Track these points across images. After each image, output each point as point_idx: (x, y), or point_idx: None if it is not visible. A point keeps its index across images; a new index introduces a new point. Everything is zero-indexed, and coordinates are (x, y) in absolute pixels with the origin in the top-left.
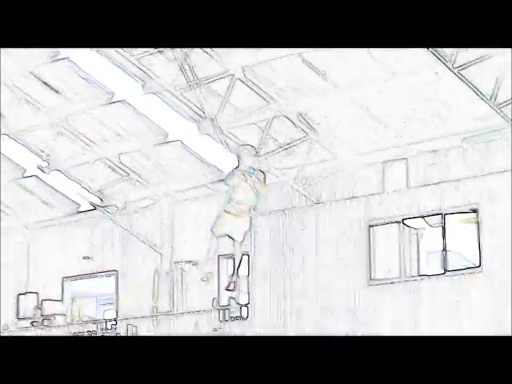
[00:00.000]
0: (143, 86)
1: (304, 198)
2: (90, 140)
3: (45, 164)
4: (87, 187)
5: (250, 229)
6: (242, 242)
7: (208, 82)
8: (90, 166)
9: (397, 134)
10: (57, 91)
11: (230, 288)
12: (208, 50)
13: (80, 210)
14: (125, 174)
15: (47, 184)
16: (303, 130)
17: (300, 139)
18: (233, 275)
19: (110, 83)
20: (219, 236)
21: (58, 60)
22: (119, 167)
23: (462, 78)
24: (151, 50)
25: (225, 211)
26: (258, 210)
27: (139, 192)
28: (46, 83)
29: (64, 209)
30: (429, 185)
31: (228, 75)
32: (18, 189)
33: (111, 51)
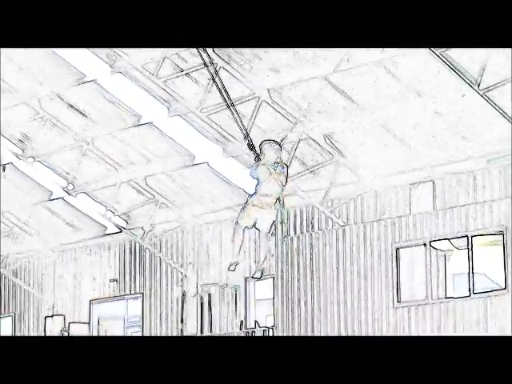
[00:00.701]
0: (169, 109)
1: (331, 220)
2: (116, 162)
3: (71, 186)
4: (113, 209)
5: (275, 220)
6: (268, 233)
7: (234, 105)
8: (116, 189)
9: (422, 156)
10: (83, 114)
11: (256, 276)
12: (233, 71)
13: (106, 232)
14: (151, 196)
15: (73, 206)
16: (329, 152)
17: (326, 161)
18: (259, 264)
19: (136, 106)
20: (245, 227)
21: (85, 82)
22: (145, 189)
23: (488, 100)
24: (177, 72)
25: (251, 204)
26: (282, 205)
27: (165, 214)
28: (72, 106)
29: (90, 231)
30: (455, 207)
31: (254, 97)
32: (45, 211)
33: (136, 73)
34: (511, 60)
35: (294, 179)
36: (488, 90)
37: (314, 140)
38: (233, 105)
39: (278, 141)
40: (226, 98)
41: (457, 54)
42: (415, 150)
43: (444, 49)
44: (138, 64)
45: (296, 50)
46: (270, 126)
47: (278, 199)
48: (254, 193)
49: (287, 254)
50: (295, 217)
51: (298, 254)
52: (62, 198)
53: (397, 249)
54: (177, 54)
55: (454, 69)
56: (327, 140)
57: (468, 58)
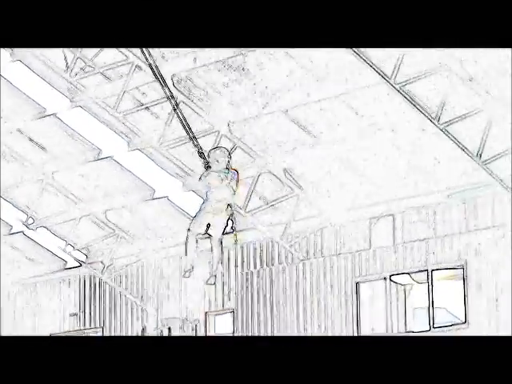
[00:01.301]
0: (129, 143)
1: (291, 254)
2: (76, 196)
3: (31, 220)
4: (73, 244)
5: (227, 226)
6: (220, 239)
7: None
8: (76, 223)
9: (383, 190)
10: (43, 148)
11: (210, 282)
12: (193, 105)
13: (66, 266)
14: (111, 230)
15: (33, 240)
16: (289, 186)
17: (286, 195)
18: (213, 270)
19: (95, 140)
20: (197, 234)
21: (45, 116)
22: (105, 224)
23: (448, 134)
24: (137, 107)
25: (203, 211)
26: (235, 209)
27: (125, 248)
28: (32, 140)
29: (50, 265)
30: (415, 241)
31: (214, 131)
32: (4, 245)
33: (96, 107)
34: (511, 60)
35: (253, 213)
36: (448, 125)
37: (273, 174)
38: (194, 137)
39: (228, 148)
40: (188, 129)
41: (417, 88)
42: (375, 184)
43: (404, 83)
44: (98, 98)
45: (255, 83)
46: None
47: (229, 205)
48: (206, 200)
49: (247, 288)
50: (255, 251)
51: (259, 288)
52: (22, 232)
53: (357, 283)
54: (137, 88)
55: (414, 103)
56: (287, 174)
57: (428, 92)
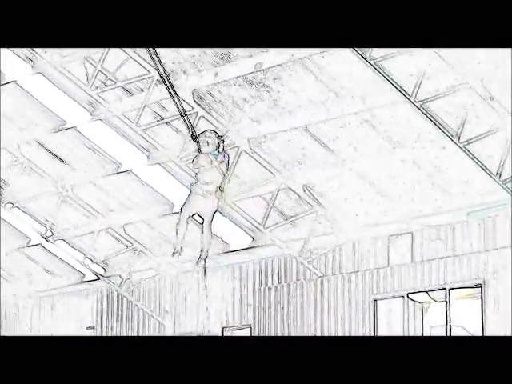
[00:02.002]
0: (148, 157)
1: (308, 271)
2: (95, 209)
3: (49, 233)
4: (91, 257)
5: (217, 210)
6: (210, 223)
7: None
8: (95, 236)
9: (402, 208)
10: (62, 160)
11: (199, 266)
12: (214, 121)
13: (84, 279)
14: (129, 244)
15: (51, 253)
16: (308, 202)
17: (305, 212)
18: (200, 257)
19: (115, 153)
20: (188, 216)
21: (65, 129)
22: (124, 237)
23: (468, 153)
24: (157, 121)
25: (193, 192)
26: (225, 193)
27: (143, 262)
28: (51, 152)
29: (68, 278)
30: (433, 259)
31: (234, 147)
32: (23, 257)
33: (116, 121)
34: (511, 60)
35: (272, 229)
36: (468, 143)
37: (293, 190)
38: (189, 121)
39: (222, 133)
40: (181, 111)
41: (437, 107)
42: (394, 202)
43: (424, 101)
44: (119, 112)
45: (276, 99)
46: (249, 177)
47: (220, 188)
48: (196, 181)
49: (265, 305)
50: (273, 267)
51: (276, 304)
52: (41, 245)
53: (374, 300)
54: (157, 102)
55: (434, 121)
56: (306, 191)
57: (448, 110)
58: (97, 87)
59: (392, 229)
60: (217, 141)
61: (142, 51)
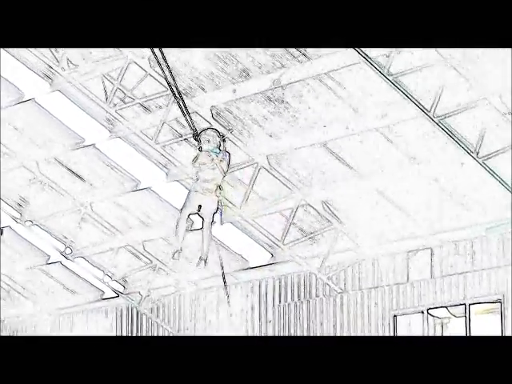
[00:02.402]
0: (167, 174)
1: (328, 287)
2: (114, 227)
3: (68, 250)
4: (110, 274)
5: (217, 210)
6: (210, 222)
7: (233, 171)
8: (114, 253)
9: (421, 224)
10: (81, 178)
11: (199, 266)
12: (232, 137)
13: (104, 297)
14: (148, 261)
15: (71, 270)
16: (327, 218)
17: (324, 228)
18: (200, 258)
19: (134, 170)
20: (188, 214)
21: (84, 147)
22: (143, 254)
23: (486, 168)
24: (176, 138)
25: (193, 191)
26: (224, 191)
27: (163, 279)
28: (70, 170)
29: (88, 296)
30: (453, 275)
31: (252, 163)
32: (42, 275)
33: (135, 138)
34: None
35: (291, 246)
36: (487, 158)
37: (312, 207)
38: (191, 120)
39: (225, 132)
40: (184, 110)
41: (456, 122)
42: (413, 218)
43: (443, 116)
44: (137, 129)
45: (295, 115)
46: (268, 193)
47: (219, 187)
48: (197, 179)
49: (284, 321)
50: (292, 284)
51: (296, 321)
52: (60, 262)
53: (394, 316)
54: (176, 119)
55: (453, 136)
56: (325, 207)
57: (467, 125)
58: (115, 104)
59: (411, 244)
60: (218, 139)
61: (159, 68)
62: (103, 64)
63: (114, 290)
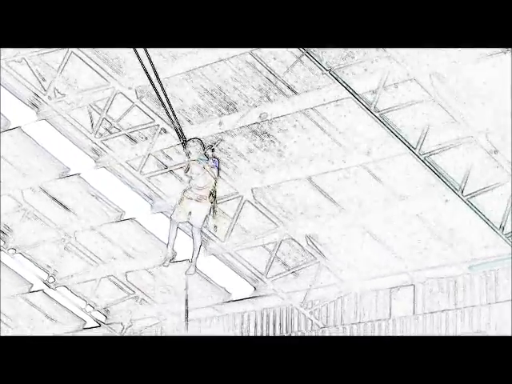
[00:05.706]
0: (152, 205)
1: (310, 321)
2: (98, 257)
3: (51, 279)
4: (93, 304)
5: (209, 214)
6: (201, 228)
7: (219, 203)
8: (97, 283)
9: (404, 260)
10: (66, 207)
11: (189, 273)
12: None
13: (85, 326)
14: (131, 291)
15: (53, 299)
16: (311, 253)
17: (307, 263)
18: (192, 259)
19: (119, 201)
20: (179, 222)
21: (68, 176)
22: (126, 285)
23: (471, 206)
24: (161, 169)
25: (185, 198)
26: (216, 196)
27: (145, 310)
28: (55, 199)
29: (69, 325)
30: (435, 312)
31: (237, 196)
32: (24, 303)
33: (120, 169)
34: (511, 60)
35: (274, 280)
36: (472, 196)
37: (295, 241)
38: (180, 129)
39: (213, 142)
40: (174, 118)
41: (441, 160)
42: (397, 254)
43: (428, 154)
44: (123, 160)
45: (280, 149)
46: (252, 226)
47: (212, 193)
48: (189, 187)
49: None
50: (275, 317)
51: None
52: (42, 291)
53: None
54: (161, 151)
55: (438, 174)
56: (309, 241)
57: (452, 163)
58: (101, 135)
59: (394, 281)
60: (203, 148)
61: (146, 100)
62: (90, 94)
63: (96, 320)
